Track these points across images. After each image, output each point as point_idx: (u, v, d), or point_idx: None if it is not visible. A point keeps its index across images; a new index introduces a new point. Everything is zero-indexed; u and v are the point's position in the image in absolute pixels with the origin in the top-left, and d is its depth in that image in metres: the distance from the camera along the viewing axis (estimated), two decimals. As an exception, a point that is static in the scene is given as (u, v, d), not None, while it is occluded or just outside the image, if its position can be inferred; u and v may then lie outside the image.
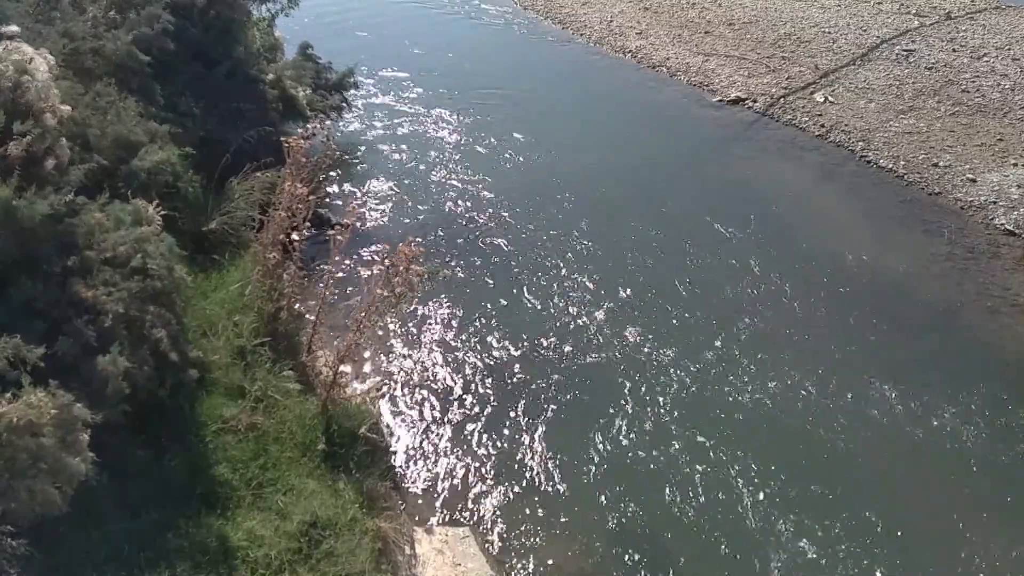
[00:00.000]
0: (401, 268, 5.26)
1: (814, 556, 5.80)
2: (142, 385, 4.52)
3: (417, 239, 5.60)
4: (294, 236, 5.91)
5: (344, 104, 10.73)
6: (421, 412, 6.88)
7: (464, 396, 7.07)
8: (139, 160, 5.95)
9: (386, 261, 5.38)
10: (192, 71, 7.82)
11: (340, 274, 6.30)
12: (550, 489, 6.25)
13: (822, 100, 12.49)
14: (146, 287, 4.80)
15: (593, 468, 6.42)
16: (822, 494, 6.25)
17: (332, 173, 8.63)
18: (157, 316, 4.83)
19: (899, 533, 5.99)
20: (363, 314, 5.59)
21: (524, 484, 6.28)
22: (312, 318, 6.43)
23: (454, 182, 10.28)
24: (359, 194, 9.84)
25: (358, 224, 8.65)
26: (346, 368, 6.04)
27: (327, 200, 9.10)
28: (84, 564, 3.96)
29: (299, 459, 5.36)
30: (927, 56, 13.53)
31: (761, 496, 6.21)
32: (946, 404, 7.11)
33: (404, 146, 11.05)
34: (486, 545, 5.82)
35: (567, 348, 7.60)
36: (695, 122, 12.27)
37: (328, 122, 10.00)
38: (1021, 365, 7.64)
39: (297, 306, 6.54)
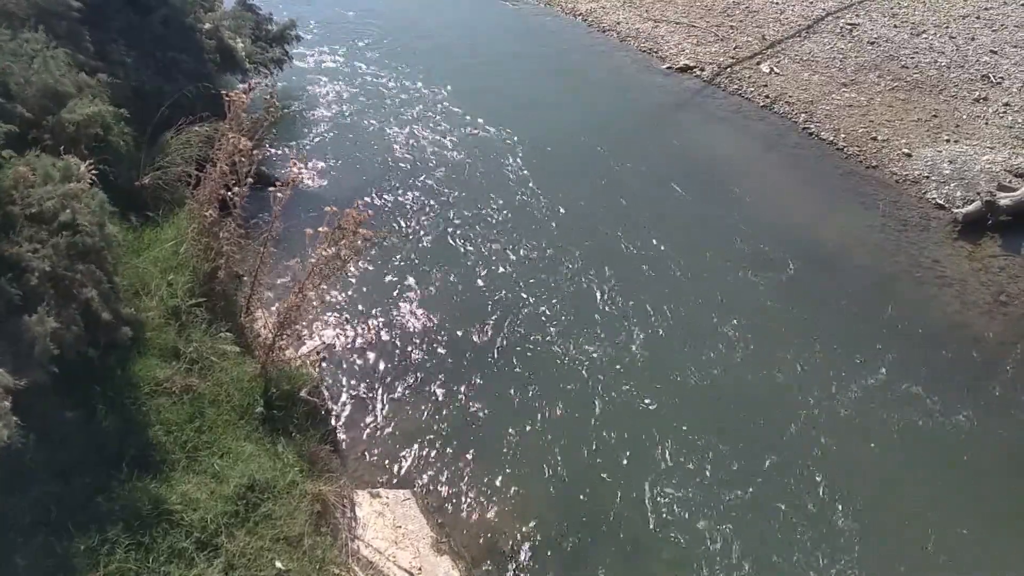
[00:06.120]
0: (349, 231, 5.16)
1: (744, 519, 6.01)
2: (71, 345, 4.36)
3: (364, 201, 5.49)
4: (235, 190, 5.72)
5: (285, 57, 10.39)
6: (363, 375, 6.84)
7: (407, 359, 7.05)
8: (68, 112, 5.67)
9: (332, 223, 5.26)
10: (124, 17, 7.44)
11: (280, 234, 6.14)
12: (491, 451, 6.31)
13: (768, 71, 12.61)
14: (75, 244, 4.61)
15: (535, 431, 6.50)
16: (751, 454, 6.46)
17: (273, 130, 8.39)
18: (87, 275, 4.65)
19: (822, 495, 6.25)
20: (306, 277, 5.49)
21: (466, 447, 6.33)
22: (251, 278, 6.27)
23: (397, 143, 10.12)
24: (300, 152, 9.59)
25: (300, 182, 8.45)
26: (287, 330, 5.92)
27: (268, 157, 8.85)
28: (10, 530, 3.84)
29: (236, 422, 5.28)
30: (870, 30, 13.74)
31: (693, 456, 6.38)
32: (872, 371, 7.38)
33: (347, 104, 10.79)
34: (428, 507, 5.87)
35: (511, 313, 7.62)
36: (643, 88, 12.27)
37: (270, 76, 9.73)
38: (943, 335, 7.96)
39: (235, 265, 6.36)
